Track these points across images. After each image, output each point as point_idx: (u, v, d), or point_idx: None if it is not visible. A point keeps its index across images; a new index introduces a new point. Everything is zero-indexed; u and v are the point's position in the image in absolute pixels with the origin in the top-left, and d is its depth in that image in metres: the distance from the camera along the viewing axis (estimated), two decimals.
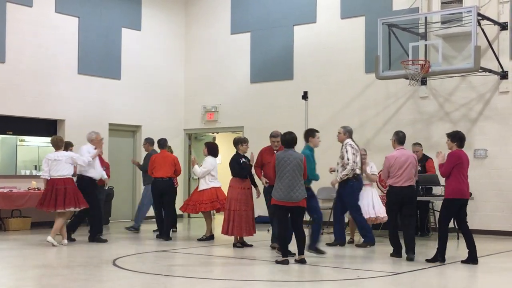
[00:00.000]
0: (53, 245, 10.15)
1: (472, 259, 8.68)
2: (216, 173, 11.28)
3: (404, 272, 8.04)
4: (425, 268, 8.31)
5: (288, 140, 8.68)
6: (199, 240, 11.20)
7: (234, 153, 10.42)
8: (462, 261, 8.74)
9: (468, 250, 8.72)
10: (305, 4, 14.86)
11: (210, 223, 11.39)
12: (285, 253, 8.56)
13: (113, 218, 14.60)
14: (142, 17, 15.82)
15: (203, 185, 11.14)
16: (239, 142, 10.44)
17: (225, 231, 10.23)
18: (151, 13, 16.01)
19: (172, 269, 8.42)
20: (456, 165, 8.65)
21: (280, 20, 15.18)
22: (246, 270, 8.43)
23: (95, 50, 14.73)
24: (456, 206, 8.76)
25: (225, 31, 16.06)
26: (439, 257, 8.71)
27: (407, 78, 12.12)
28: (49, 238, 10.26)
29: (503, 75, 12.42)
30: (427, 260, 8.75)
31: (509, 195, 12.37)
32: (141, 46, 15.74)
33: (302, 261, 8.51)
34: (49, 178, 10.47)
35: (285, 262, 8.43)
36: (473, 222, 12.54)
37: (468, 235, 8.74)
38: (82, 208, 10.62)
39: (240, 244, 10.34)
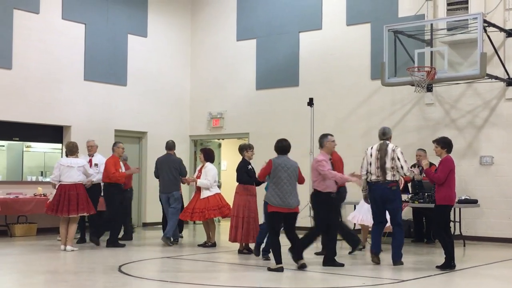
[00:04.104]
0: (73, 250, 10.41)
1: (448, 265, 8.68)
2: (217, 179, 11.33)
3: (410, 280, 8.01)
4: (431, 276, 8.28)
5: (285, 146, 8.75)
6: (204, 246, 11.19)
7: (241, 159, 10.42)
8: (437, 266, 8.72)
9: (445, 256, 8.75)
10: (311, 11, 14.88)
11: (214, 230, 11.38)
12: (279, 260, 8.51)
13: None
14: (148, 24, 15.86)
15: (207, 192, 11.12)
16: (244, 149, 10.45)
17: (233, 238, 10.22)
18: (157, 20, 16.05)
19: (178, 276, 8.41)
20: (450, 171, 8.67)
21: (286, 27, 15.21)
22: (252, 277, 8.42)
23: (101, 56, 14.78)
24: (449, 212, 8.84)
25: (231, 37, 16.08)
26: (453, 263, 8.68)
27: (413, 85, 12.10)
28: (68, 247, 10.42)
29: (509, 82, 12.40)
30: (438, 267, 8.69)
31: None
32: (147, 52, 15.78)
33: (303, 266, 8.51)
34: (57, 183, 10.60)
35: (280, 269, 8.41)
36: (479, 229, 12.58)
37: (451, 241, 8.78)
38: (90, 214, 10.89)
39: (246, 250, 10.33)
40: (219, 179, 17.04)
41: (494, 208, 12.48)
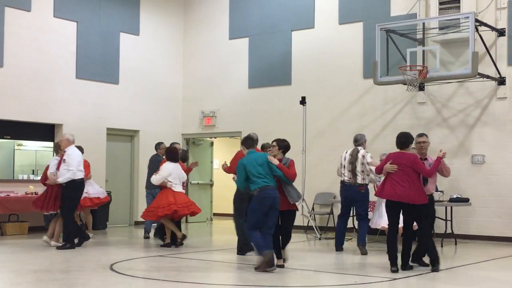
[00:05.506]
0: (58, 248, 10.49)
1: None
2: (175, 179, 10.77)
3: (401, 278, 8.03)
4: (422, 274, 8.30)
5: None
6: (162, 246, 10.90)
7: None
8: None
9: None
10: (303, 10, 14.88)
11: (171, 227, 10.88)
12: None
13: (110, 223, 14.59)
14: (141, 22, 15.83)
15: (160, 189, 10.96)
16: (263, 149, 10.35)
17: None
18: (150, 18, 16.02)
19: (170, 274, 8.40)
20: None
21: (278, 25, 15.21)
22: (244, 275, 8.41)
23: (94, 54, 14.74)
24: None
25: (224, 36, 16.07)
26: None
27: (405, 84, 12.14)
28: (52, 243, 10.66)
29: (501, 81, 12.45)
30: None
31: (507, 200, 12.38)
32: (139, 50, 15.74)
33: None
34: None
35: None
36: (470, 228, 12.63)
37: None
38: None
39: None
40: (211, 177, 17.07)
41: (486, 206, 12.53)
